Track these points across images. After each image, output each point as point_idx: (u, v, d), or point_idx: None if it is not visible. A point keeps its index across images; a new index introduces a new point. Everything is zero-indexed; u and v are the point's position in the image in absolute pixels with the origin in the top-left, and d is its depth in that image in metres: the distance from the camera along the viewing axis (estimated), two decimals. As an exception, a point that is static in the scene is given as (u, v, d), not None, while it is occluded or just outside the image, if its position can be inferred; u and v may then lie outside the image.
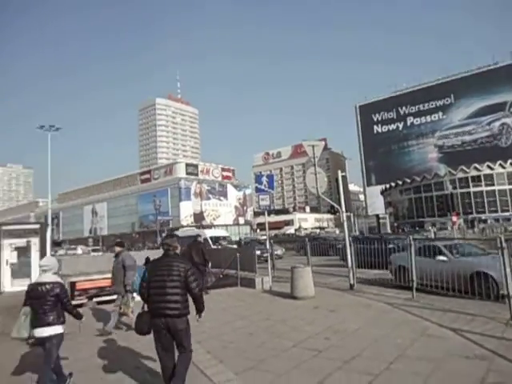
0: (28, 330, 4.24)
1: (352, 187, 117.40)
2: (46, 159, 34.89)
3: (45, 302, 4.22)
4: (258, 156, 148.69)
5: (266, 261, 18.35)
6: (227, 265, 13.39)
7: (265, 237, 17.08)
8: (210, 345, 5.86)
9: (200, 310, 4.09)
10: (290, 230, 77.09)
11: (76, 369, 4.86)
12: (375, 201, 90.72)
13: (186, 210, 73.18)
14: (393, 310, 7.68)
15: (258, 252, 21.59)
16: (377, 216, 48.94)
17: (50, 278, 4.40)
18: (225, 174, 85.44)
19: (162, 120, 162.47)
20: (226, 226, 69.69)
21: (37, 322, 4.22)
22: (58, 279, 4.52)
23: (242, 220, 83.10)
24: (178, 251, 4.25)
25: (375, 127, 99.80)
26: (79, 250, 50.10)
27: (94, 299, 10.32)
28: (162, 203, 73.59)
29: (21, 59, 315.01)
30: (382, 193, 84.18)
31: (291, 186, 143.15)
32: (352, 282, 10.34)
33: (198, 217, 74.14)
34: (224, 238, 26.81)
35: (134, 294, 7.20)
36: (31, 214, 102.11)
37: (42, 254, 15.26)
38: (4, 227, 15.44)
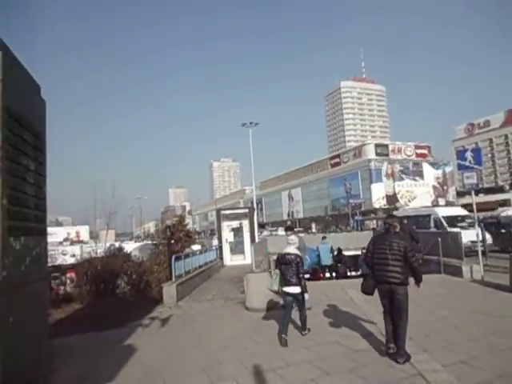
0: (277, 286, 5.87)
1: None
2: (249, 152, 39.85)
3: (290, 268, 5.76)
4: (460, 128, 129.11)
5: None
6: (427, 249, 12.39)
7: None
8: (412, 331, 5.60)
9: (418, 280, 4.78)
10: (507, 211, 64.45)
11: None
12: None
13: (378, 192, 70.79)
14: None
15: None
16: None
17: (293, 250, 5.93)
18: (419, 151, 78.16)
19: (348, 103, 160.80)
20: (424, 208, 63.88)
21: (285, 282, 5.79)
22: (298, 252, 5.97)
23: (442, 201, 74.57)
24: (397, 230, 4.90)
25: None
26: (280, 231, 55.62)
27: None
28: (353, 186, 73.37)
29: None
30: None
31: (506, 159, 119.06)
32: None
33: (391, 199, 70.68)
34: (462, 218, 20.18)
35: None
36: (240, 200, 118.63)
37: (252, 234, 17.76)
38: (223, 212, 18.72)
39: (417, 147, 78.44)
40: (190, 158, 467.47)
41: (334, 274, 15.45)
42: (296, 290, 5.74)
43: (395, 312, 4.67)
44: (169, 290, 9.21)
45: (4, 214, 3.67)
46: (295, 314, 6.13)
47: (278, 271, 5.93)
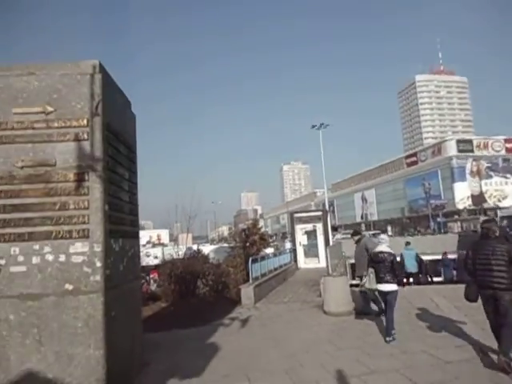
0: (374, 284, 6.05)
1: None
2: (319, 154, 39.46)
3: (383, 266, 5.96)
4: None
5: None
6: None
7: None
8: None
9: None
10: None
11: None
12: None
13: (462, 192, 65.25)
14: None
15: None
16: None
17: (385, 248, 6.14)
18: (510, 145, 70.62)
19: (424, 97, 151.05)
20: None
21: (379, 279, 5.99)
22: (391, 250, 6.16)
23: (540, 200, 66.49)
24: (497, 234, 4.74)
25: None
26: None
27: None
28: (432, 186, 68.50)
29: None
30: None
31: None
32: None
33: (478, 199, 64.71)
34: None
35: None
36: (311, 203, 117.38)
37: (326, 237, 17.50)
38: (296, 215, 18.73)
39: (507, 141, 70.87)
40: (260, 162, 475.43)
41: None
42: (389, 287, 5.90)
43: (500, 320, 4.47)
44: (246, 292, 9.45)
45: (106, 219, 4.09)
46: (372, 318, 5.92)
47: (372, 269, 6.15)
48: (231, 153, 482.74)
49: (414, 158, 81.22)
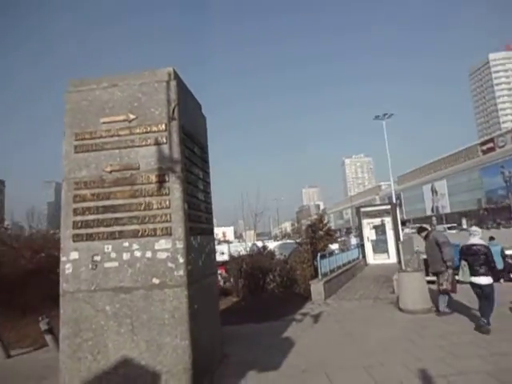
0: (468, 277, 5.99)
1: None
2: (383, 146, 37.81)
3: (476, 258, 5.91)
4: None
5: None
6: None
7: None
8: None
9: None
10: None
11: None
12: None
13: (550, 179, 58.81)
14: None
15: None
16: None
17: (478, 241, 6.11)
18: None
19: (501, 77, 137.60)
20: None
21: (473, 272, 5.94)
22: (484, 242, 6.19)
23: None
24: None
25: None
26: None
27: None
28: (513, 174, 62.53)
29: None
30: None
31: None
32: None
33: None
34: None
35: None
36: (376, 196, 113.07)
37: (396, 232, 16.78)
38: (363, 209, 18.19)
39: None
40: (320, 157, 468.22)
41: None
42: (484, 280, 5.82)
43: None
44: (316, 288, 9.40)
45: (186, 217, 4.32)
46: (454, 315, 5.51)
47: (464, 262, 6.08)
48: (291, 149, 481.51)
49: (490, 145, 74.73)
